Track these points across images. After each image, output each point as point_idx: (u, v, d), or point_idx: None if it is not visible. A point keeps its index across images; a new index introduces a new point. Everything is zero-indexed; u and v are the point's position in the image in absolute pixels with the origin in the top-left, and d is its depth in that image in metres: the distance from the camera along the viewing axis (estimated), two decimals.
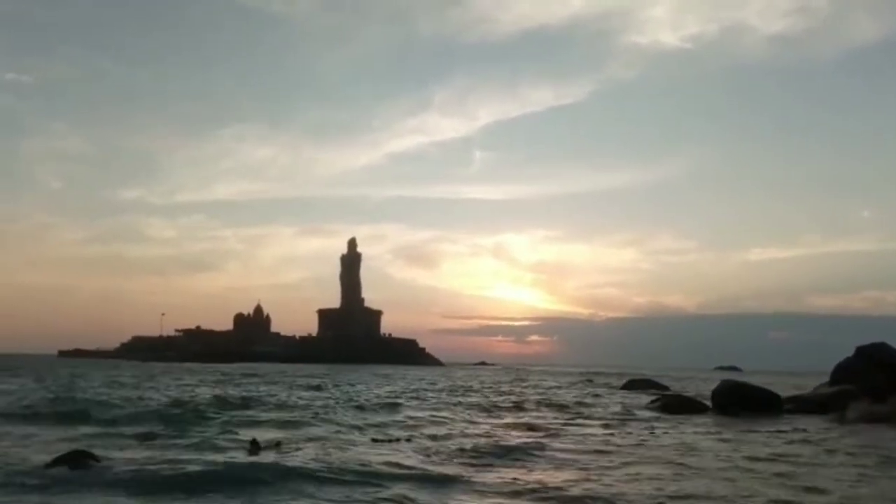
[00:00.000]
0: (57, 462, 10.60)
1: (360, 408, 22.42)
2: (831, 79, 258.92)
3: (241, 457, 11.96)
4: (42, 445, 12.84)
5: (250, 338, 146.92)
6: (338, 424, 17.43)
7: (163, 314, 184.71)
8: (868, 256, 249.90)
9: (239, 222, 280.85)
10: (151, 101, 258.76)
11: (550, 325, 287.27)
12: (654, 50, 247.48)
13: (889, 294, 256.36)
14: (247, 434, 14.61)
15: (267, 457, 11.91)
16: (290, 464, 10.95)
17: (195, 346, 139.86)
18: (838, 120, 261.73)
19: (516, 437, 15.57)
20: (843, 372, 24.39)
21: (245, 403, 22.91)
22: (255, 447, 13.02)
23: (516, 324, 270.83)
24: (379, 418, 19.43)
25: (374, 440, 14.66)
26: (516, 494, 9.42)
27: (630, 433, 16.96)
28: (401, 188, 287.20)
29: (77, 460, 10.69)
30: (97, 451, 11.46)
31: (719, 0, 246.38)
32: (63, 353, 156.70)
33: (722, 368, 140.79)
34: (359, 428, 16.76)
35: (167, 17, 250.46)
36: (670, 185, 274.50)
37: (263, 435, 14.50)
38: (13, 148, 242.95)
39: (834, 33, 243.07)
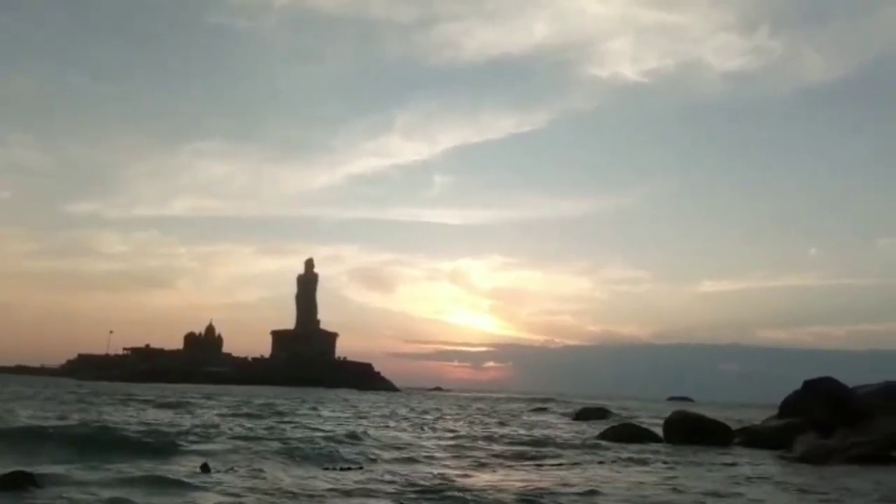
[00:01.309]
0: None
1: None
2: (784, 116, 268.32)
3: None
4: None
5: (201, 358, 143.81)
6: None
7: (111, 332, 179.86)
8: (814, 292, 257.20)
9: (194, 239, 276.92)
10: (111, 114, 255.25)
11: (506, 352, 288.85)
12: (613, 82, 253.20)
13: (834, 329, 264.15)
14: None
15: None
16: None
17: (143, 365, 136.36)
18: (790, 156, 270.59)
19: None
20: (791, 405, 24.60)
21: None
22: (205, 471, 12.66)
23: (472, 349, 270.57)
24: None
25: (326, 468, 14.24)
26: None
27: (580, 464, 16.77)
28: (360, 210, 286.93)
29: (16, 482, 10.13)
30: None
31: (677, 36, 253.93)
32: (4, 369, 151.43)
33: (674, 399, 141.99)
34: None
35: (131, 30, 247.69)
36: (626, 216, 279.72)
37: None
38: None
39: (786, 72, 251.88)
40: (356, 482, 12.28)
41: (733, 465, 17.72)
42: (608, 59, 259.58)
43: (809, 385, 24.31)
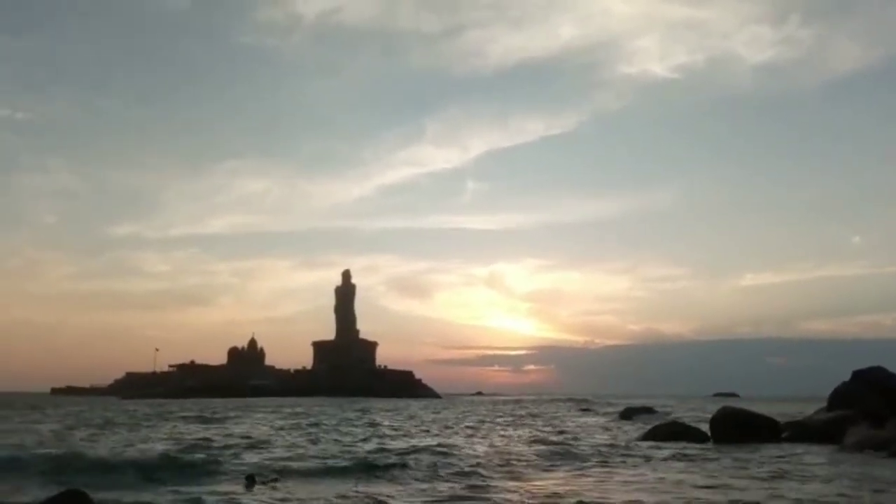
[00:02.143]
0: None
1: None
2: (818, 106, 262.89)
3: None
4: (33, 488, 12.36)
5: (245, 372, 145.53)
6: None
7: (156, 349, 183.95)
8: (860, 281, 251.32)
9: (233, 256, 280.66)
10: (146, 137, 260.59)
11: (546, 354, 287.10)
12: (642, 80, 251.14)
13: (883, 318, 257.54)
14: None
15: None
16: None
17: (189, 381, 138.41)
18: (826, 146, 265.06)
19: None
20: (840, 397, 24.13)
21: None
22: (250, 483, 12.83)
23: (512, 353, 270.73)
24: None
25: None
26: None
27: (626, 464, 16.67)
28: (394, 219, 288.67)
29: (70, 502, 10.08)
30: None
31: (706, 31, 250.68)
32: (56, 391, 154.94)
33: (720, 395, 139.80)
34: None
35: (161, 53, 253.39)
36: (662, 213, 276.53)
37: None
38: (7, 184, 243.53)
39: (819, 62, 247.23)
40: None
41: (784, 459, 17.44)
42: (636, 57, 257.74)
43: (859, 375, 23.85)
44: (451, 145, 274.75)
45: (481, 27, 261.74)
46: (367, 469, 15.09)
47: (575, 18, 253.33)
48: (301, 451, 19.12)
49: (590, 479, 14.01)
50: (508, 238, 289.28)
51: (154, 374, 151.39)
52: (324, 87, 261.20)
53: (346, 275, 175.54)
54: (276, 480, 13.22)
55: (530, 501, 11.19)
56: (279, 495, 11.80)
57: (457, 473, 14.50)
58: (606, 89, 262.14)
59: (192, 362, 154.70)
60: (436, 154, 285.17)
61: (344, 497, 11.54)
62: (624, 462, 17.23)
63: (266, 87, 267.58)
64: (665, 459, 17.66)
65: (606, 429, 31.79)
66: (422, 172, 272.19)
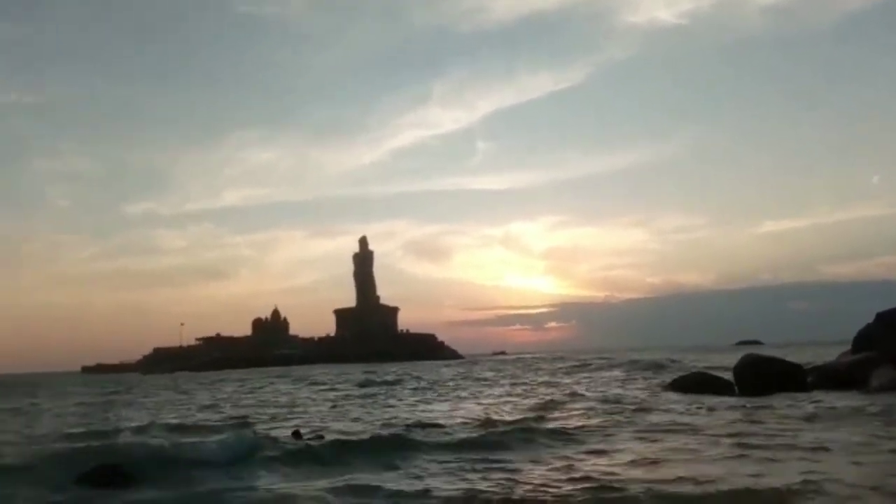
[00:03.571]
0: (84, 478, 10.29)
1: None
2: (830, 44, 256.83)
3: None
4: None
5: (270, 342, 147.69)
6: None
7: (182, 324, 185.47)
8: (881, 221, 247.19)
9: (248, 228, 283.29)
10: (153, 114, 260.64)
11: (567, 311, 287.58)
12: (650, 28, 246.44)
13: None
14: None
15: None
16: None
17: (216, 353, 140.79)
18: (840, 86, 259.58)
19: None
20: (864, 339, 24.06)
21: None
22: (296, 437, 13.36)
23: (533, 311, 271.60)
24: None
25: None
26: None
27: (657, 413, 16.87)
28: (406, 184, 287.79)
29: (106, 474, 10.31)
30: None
31: None
32: (86, 369, 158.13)
33: (743, 343, 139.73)
34: None
35: (164, 30, 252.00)
36: (676, 163, 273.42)
37: None
38: (21, 168, 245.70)
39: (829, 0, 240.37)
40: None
41: (808, 404, 17.56)
42: (642, 4, 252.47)
43: (882, 317, 23.72)
44: (459, 106, 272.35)
45: None
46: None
47: None
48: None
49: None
50: (522, 197, 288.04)
51: (181, 348, 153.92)
52: (327, 54, 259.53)
53: (363, 241, 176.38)
54: (321, 438, 13.67)
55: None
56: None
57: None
58: (613, 40, 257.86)
59: (218, 335, 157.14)
60: (444, 115, 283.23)
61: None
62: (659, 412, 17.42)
63: (269, 56, 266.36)
64: (686, 412, 17.83)
65: (635, 381, 31.98)
66: (431, 135, 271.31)
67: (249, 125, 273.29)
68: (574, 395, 24.36)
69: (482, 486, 9.40)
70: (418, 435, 13.83)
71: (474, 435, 13.94)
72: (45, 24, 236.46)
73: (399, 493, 9.15)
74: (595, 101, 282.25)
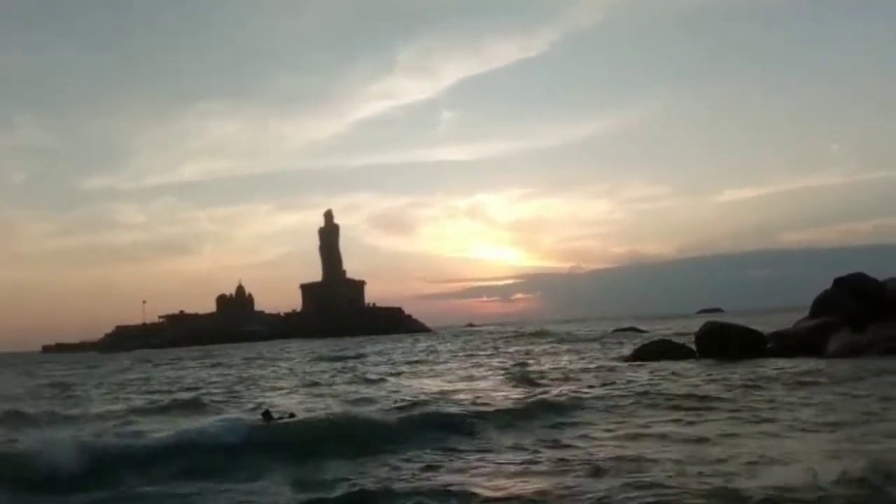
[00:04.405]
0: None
1: None
2: (791, 12, 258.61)
3: None
4: None
5: (235, 318, 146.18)
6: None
7: (144, 302, 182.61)
8: (839, 189, 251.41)
9: (210, 202, 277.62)
10: (111, 86, 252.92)
11: (533, 282, 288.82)
12: None
13: (860, 226, 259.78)
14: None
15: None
16: None
17: (180, 330, 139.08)
18: (800, 54, 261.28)
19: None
20: (822, 305, 24.40)
21: None
22: (267, 418, 12.80)
23: (500, 283, 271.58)
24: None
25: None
26: None
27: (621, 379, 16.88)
28: (371, 156, 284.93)
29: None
30: None
31: None
32: (47, 348, 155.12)
33: (705, 311, 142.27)
34: None
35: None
36: (639, 132, 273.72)
37: None
38: None
39: None
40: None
41: (764, 369, 17.73)
42: None
43: (839, 282, 24.05)
44: (424, 75, 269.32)
45: None
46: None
47: None
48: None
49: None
50: (488, 168, 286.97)
51: (144, 325, 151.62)
52: (288, 23, 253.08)
53: (329, 215, 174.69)
54: (292, 416, 13.24)
55: None
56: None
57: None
58: (579, 6, 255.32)
59: (182, 312, 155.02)
60: (408, 85, 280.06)
61: None
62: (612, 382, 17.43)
63: (229, 26, 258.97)
64: (650, 378, 17.89)
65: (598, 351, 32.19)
66: (395, 105, 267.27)
67: (210, 96, 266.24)
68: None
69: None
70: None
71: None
72: None
73: None
74: (561, 69, 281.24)
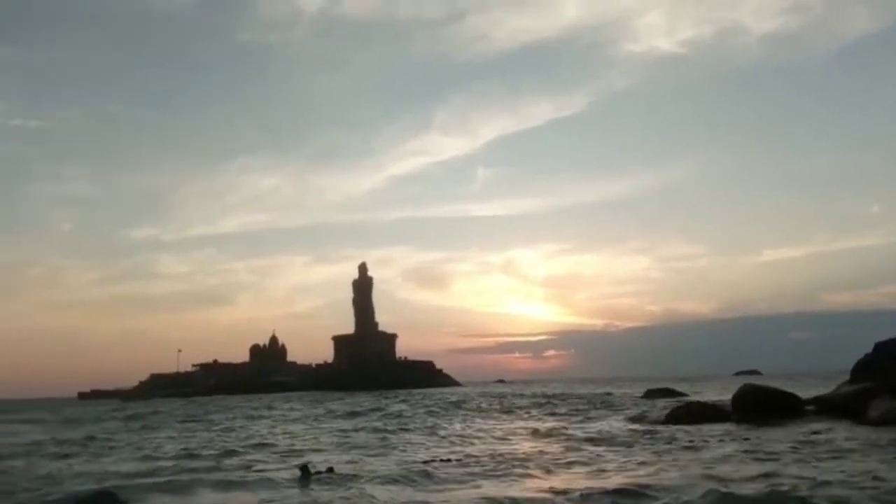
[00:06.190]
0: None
1: None
2: (829, 73, 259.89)
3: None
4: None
5: (267, 368, 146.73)
6: None
7: (179, 350, 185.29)
8: (881, 251, 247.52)
9: (248, 254, 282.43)
10: (157, 140, 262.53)
11: (566, 339, 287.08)
12: (650, 56, 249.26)
13: None
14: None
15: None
16: None
17: (212, 379, 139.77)
18: (839, 115, 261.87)
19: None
20: (863, 369, 23.88)
21: None
22: (305, 474, 12.78)
23: (532, 339, 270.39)
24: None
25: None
26: None
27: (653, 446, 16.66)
28: (407, 210, 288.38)
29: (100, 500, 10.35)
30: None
31: (712, 2, 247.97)
32: (83, 395, 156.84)
33: (742, 373, 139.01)
34: None
35: (168, 56, 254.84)
36: (676, 191, 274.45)
37: None
38: (23, 193, 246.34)
39: (829, 29, 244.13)
40: None
41: (804, 435, 17.36)
42: (642, 33, 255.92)
43: (881, 347, 23.56)
44: (460, 133, 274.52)
45: (484, 10, 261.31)
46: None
47: None
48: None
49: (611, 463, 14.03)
50: (522, 223, 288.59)
51: (178, 374, 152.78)
52: (329, 81, 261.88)
53: (363, 268, 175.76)
54: (331, 471, 13.22)
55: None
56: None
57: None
58: (614, 68, 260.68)
59: (215, 361, 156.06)
60: (445, 142, 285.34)
61: None
62: (648, 447, 17.22)
63: (271, 83, 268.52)
64: (685, 443, 17.62)
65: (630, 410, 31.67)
66: (432, 161, 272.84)
67: (251, 151, 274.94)
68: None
69: None
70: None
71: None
72: (49, 49, 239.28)
73: None
74: (596, 128, 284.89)
